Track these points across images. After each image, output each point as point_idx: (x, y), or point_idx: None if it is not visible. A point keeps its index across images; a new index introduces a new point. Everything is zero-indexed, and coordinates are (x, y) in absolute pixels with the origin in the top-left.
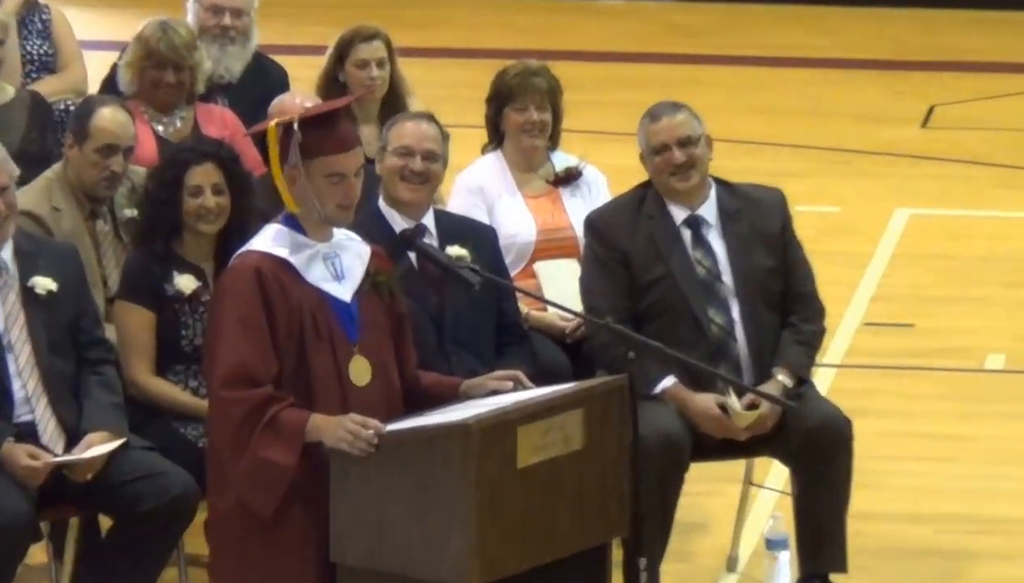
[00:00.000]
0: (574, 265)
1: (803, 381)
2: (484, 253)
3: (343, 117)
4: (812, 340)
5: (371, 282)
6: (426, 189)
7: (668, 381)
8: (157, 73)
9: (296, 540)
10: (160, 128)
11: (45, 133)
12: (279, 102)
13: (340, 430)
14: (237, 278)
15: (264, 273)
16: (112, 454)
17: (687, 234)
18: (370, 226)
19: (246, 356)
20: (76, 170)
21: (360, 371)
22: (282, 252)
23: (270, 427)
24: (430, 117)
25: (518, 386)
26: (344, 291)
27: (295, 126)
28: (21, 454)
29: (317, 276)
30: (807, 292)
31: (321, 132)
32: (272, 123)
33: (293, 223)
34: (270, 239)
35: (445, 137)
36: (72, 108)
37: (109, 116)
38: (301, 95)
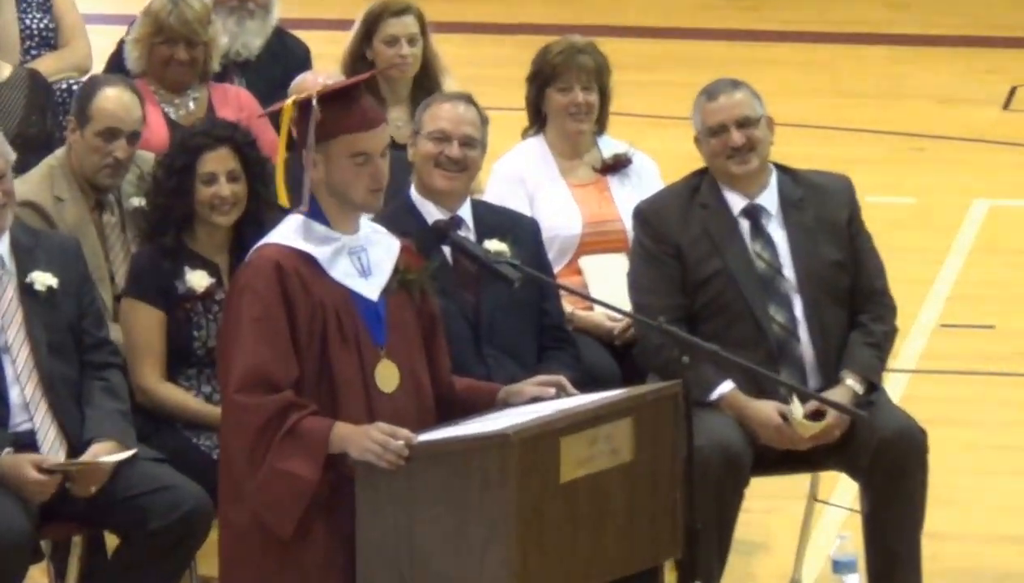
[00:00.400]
0: (623, 260)
1: (874, 387)
2: (525, 248)
3: (365, 92)
4: (883, 342)
5: (400, 280)
6: (463, 178)
7: (725, 387)
8: (167, 50)
9: (318, 562)
10: (171, 110)
11: (45, 115)
12: (301, 81)
13: (367, 440)
14: (255, 274)
15: (285, 268)
16: (118, 466)
17: (745, 225)
18: (401, 217)
19: (264, 359)
20: (78, 156)
21: (387, 376)
22: (304, 245)
23: (290, 436)
24: (468, 98)
25: (561, 393)
26: (371, 289)
27: (314, 103)
28: (26, 466)
29: (342, 272)
30: (877, 288)
31: (342, 109)
32: (288, 101)
33: (316, 213)
34: (291, 231)
35: (484, 121)
36: (75, 88)
37: (113, 97)
38: (325, 73)
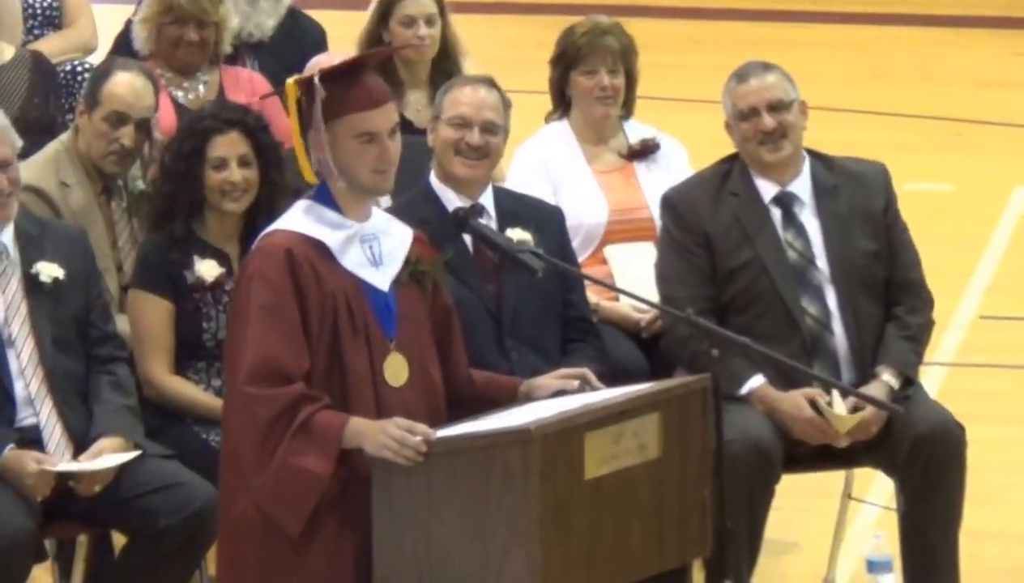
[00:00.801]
0: (650, 250)
1: (910, 382)
2: (549, 236)
3: (370, 70)
4: (920, 335)
5: (411, 271)
6: (484, 165)
7: (756, 381)
8: (177, 30)
9: (324, 561)
10: (180, 94)
11: (48, 98)
12: (316, 63)
13: (383, 436)
14: (265, 260)
15: (296, 256)
16: (126, 463)
17: (777, 213)
18: (420, 204)
19: (275, 349)
20: (86, 140)
21: (396, 370)
22: (316, 232)
23: (303, 431)
24: (489, 82)
25: (586, 386)
26: (382, 279)
27: (316, 82)
28: (28, 461)
29: (353, 261)
30: (914, 280)
31: (346, 88)
32: (291, 80)
33: (326, 198)
34: (301, 216)
35: (507, 105)
36: (80, 70)
37: (124, 82)
38: (342, 54)
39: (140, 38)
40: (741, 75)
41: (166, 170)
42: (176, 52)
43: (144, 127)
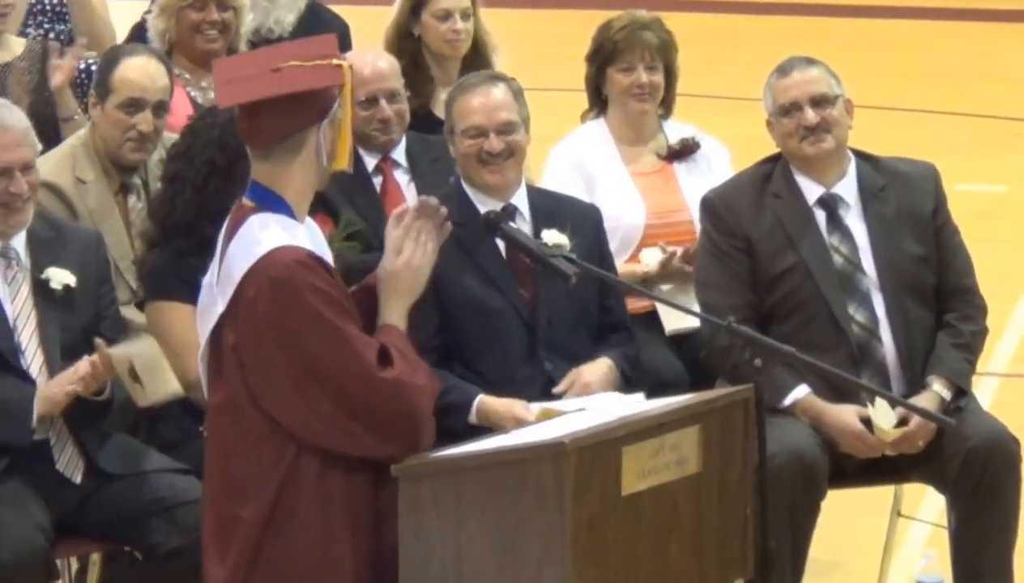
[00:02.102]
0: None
1: (963, 392)
2: (585, 237)
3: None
4: (973, 343)
5: (343, 248)
6: (510, 165)
7: (801, 391)
8: (197, 14)
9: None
10: (198, 94)
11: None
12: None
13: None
14: (294, 277)
15: (311, 261)
16: (140, 479)
17: (821, 216)
18: (450, 205)
19: (365, 339)
20: (101, 133)
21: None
22: (308, 245)
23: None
24: (492, 78)
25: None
26: None
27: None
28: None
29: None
30: (966, 286)
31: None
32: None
33: (280, 207)
34: (282, 231)
35: (518, 94)
36: (93, 68)
37: (136, 66)
38: (374, 52)
39: (157, 31)
40: (783, 69)
41: (186, 180)
42: (196, 38)
43: (162, 109)
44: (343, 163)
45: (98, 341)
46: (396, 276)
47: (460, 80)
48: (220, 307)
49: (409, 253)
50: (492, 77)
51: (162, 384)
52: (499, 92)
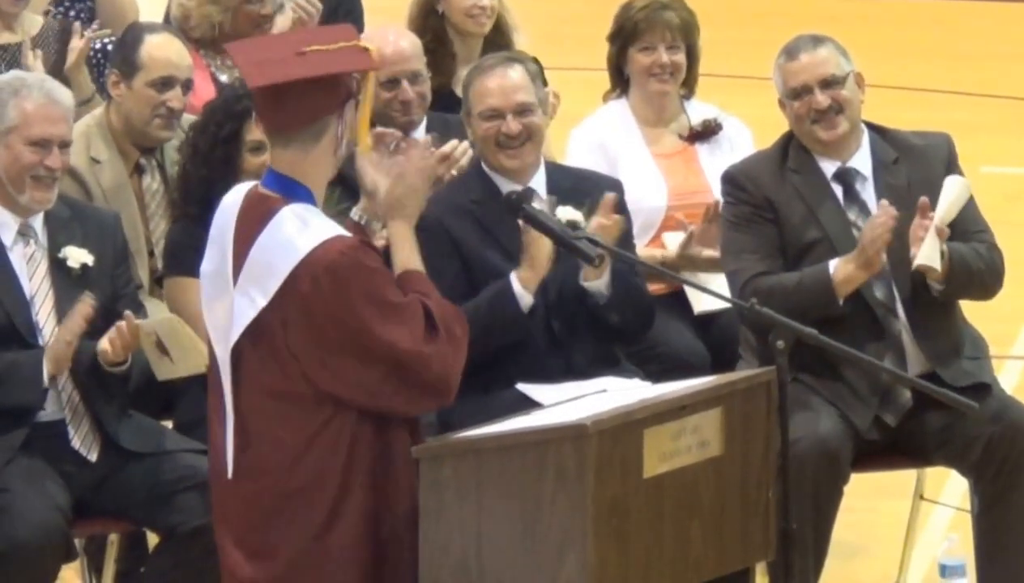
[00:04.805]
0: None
1: (954, 278)
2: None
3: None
4: (987, 255)
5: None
6: (529, 148)
7: (834, 264)
8: (253, 8)
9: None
10: (222, 74)
11: None
12: (367, 39)
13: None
14: (352, 262)
15: (364, 246)
16: (159, 459)
17: (839, 190)
18: (472, 183)
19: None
20: (125, 111)
21: None
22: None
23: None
24: (507, 59)
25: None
26: None
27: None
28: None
29: None
30: (984, 240)
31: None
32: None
33: (309, 197)
34: (324, 222)
35: (535, 75)
36: (109, 47)
37: (162, 43)
38: (395, 31)
39: (202, 15)
40: (790, 51)
41: (202, 154)
42: (254, 34)
43: (188, 87)
44: (364, 146)
45: (127, 312)
46: (391, 202)
47: (477, 62)
48: (260, 301)
49: (386, 180)
50: (509, 58)
51: (193, 356)
52: (516, 73)
